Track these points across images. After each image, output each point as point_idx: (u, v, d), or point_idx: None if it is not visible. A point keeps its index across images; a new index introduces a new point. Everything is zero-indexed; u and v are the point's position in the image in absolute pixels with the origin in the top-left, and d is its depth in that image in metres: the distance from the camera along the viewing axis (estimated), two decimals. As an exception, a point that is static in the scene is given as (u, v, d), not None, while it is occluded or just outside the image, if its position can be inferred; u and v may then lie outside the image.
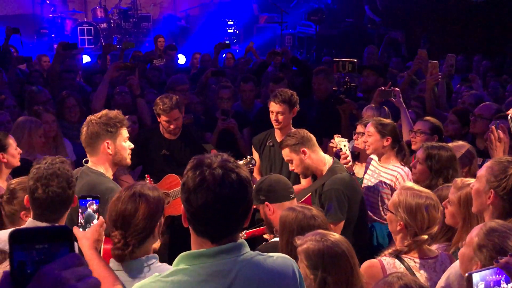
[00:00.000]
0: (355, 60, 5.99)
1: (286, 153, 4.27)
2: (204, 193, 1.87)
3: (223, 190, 1.88)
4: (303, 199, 4.51)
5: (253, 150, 5.27)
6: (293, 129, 5.04)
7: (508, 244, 2.33)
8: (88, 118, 3.68)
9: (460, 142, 4.27)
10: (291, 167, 4.33)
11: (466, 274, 2.07)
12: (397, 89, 5.31)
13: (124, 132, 3.67)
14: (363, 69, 6.85)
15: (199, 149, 5.09)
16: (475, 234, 2.43)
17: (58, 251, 1.12)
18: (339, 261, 2.48)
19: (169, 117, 4.91)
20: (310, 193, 4.49)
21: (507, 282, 2.08)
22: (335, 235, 2.58)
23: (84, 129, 3.62)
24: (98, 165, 3.61)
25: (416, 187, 3.10)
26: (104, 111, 3.70)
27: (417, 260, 2.94)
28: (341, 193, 4.09)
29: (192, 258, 1.93)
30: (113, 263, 2.64)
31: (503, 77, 8.49)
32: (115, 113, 3.67)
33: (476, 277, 2.05)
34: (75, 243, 2.73)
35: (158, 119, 5.03)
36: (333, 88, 5.97)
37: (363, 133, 4.77)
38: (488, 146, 3.85)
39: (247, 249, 1.98)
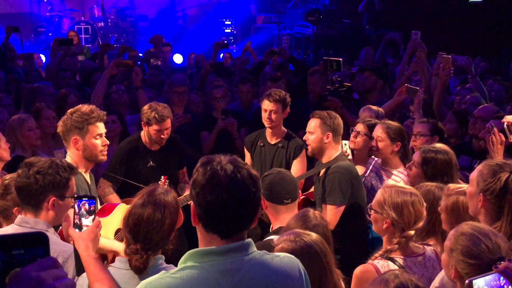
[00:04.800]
0: (340, 59, 5.98)
1: (314, 123, 4.40)
2: (216, 188, 1.89)
3: (235, 185, 1.90)
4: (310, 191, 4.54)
5: (245, 150, 5.27)
6: (284, 129, 5.07)
7: (477, 248, 2.35)
8: (67, 111, 3.75)
9: (437, 145, 4.19)
10: (306, 137, 4.44)
11: (467, 281, 2.07)
12: (422, 90, 5.24)
13: (95, 129, 3.67)
14: (364, 71, 6.83)
15: (183, 158, 5.08)
16: (448, 238, 2.48)
17: (35, 256, 1.18)
18: (311, 261, 2.48)
19: (161, 127, 4.66)
20: (306, 196, 4.52)
21: None
22: (310, 235, 2.58)
23: (59, 123, 3.70)
24: (72, 158, 3.68)
25: (399, 184, 3.16)
26: (79, 106, 3.72)
27: (408, 259, 2.97)
28: (345, 178, 4.20)
29: (200, 255, 1.94)
30: (120, 261, 2.64)
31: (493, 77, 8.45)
32: (88, 109, 3.67)
33: (480, 282, 2.04)
34: (72, 244, 2.73)
35: (144, 128, 4.74)
36: (327, 87, 5.96)
37: (363, 133, 4.75)
38: (489, 148, 3.85)
39: (254, 248, 1.99)
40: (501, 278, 2.08)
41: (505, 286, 2.08)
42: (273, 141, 5.09)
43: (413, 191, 3.02)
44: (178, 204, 2.75)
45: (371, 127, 4.76)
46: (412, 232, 2.95)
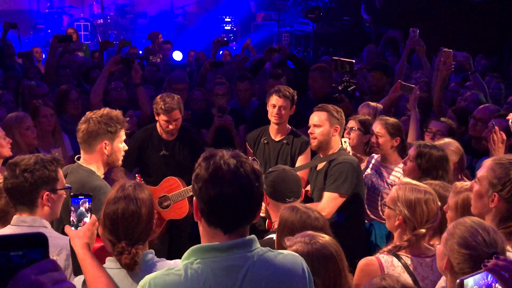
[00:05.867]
0: (353, 60, 5.93)
1: (322, 116, 4.35)
2: (219, 182, 1.88)
3: (238, 179, 1.89)
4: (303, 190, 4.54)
5: (247, 148, 5.25)
6: (288, 126, 5.06)
7: (473, 239, 2.33)
8: (88, 114, 3.60)
9: (447, 139, 4.23)
10: (312, 130, 4.39)
11: (458, 281, 2.04)
12: (417, 87, 5.22)
13: (123, 134, 3.64)
14: (372, 70, 6.76)
15: (199, 149, 5.08)
16: (446, 230, 2.45)
17: (33, 258, 1.14)
18: (327, 263, 2.46)
19: (169, 117, 4.79)
20: (306, 188, 4.50)
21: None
22: (324, 237, 2.56)
23: (83, 126, 3.55)
24: (91, 163, 3.58)
25: (414, 182, 3.10)
26: (106, 110, 3.62)
27: (414, 258, 2.93)
28: (353, 170, 4.19)
29: (204, 251, 1.93)
30: (110, 261, 2.62)
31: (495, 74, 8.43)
32: (116, 113, 3.61)
33: (470, 281, 2.03)
34: (68, 242, 2.70)
35: (157, 118, 4.91)
36: (332, 85, 5.92)
37: (356, 128, 4.76)
38: (490, 147, 3.83)
39: (257, 244, 1.99)
40: (489, 276, 2.06)
41: (493, 284, 2.06)
42: (277, 138, 5.06)
43: (428, 189, 2.97)
44: (151, 195, 2.70)
45: (362, 122, 4.79)
46: (423, 231, 2.91)
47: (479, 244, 2.32)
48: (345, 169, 4.19)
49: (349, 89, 5.73)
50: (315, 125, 4.39)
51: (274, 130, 5.05)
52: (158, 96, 4.88)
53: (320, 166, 4.46)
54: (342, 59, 6.01)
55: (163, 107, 4.74)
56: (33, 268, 1.11)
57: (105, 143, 3.54)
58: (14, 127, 4.69)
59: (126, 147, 3.74)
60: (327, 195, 4.22)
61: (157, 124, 4.96)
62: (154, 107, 4.86)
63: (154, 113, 4.90)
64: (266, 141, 5.10)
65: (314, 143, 4.44)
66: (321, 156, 4.48)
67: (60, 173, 2.97)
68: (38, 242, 1.15)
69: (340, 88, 5.74)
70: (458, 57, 6.21)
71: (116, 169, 4.71)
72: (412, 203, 2.91)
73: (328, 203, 4.18)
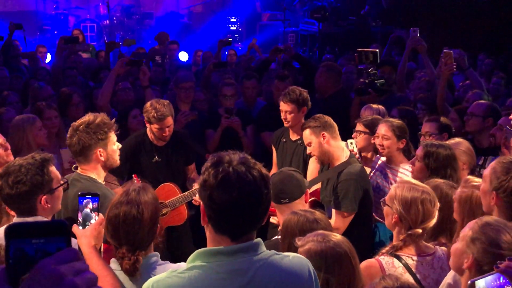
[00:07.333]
0: (377, 50, 5.88)
1: (306, 134, 4.32)
2: (228, 190, 1.86)
3: (247, 186, 1.87)
4: (312, 190, 4.51)
5: (272, 146, 5.30)
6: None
7: (501, 238, 2.32)
8: (74, 125, 3.52)
9: (457, 139, 4.22)
10: (308, 150, 4.36)
11: (469, 282, 2.05)
12: None
13: (113, 136, 3.59)
14: (381, 66, 6.74)
15: (192, 154, 5.06)
16: (469, 228, 2.43)
17: (55, 246, 1.11)
18: (341, 261, 2.46)
19: (162, 125, 4.63)
20: (319, 187, 4.48)
21: None
22: (336, 236, 2.56)
23: (73, 140, 3.47)
24: (89, 170, 3.55)
25: (414, 181, 3.11)
26: (90, 117, 3.51)
27: (415, 258, 2.93)
28: (359, 185, 4.16)
29: (209, 255, 1.92)
30: (113, 263, 2.62)
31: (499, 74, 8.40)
32: (101, 118, 3.53)
33: (481, 283, 2.02)
34: (75, 241, 2.70)
35: (148, 126, 4.73)
36: (360, 80, 5.86)
37: (362, 132, 4.75)
38: (504, 149, 3.82)
39: (263, 247, 1.97)
40: (501, 277, 2.05)
41: (506, 286, 2.06)
42: (294, 138, 5.09)
43: (426, 189, 2.97)
44: (156, 198, 2.68)
45: (367, 124, 4.78)
46: (419, 231, 2.90)
47: (509, 243, 2.32)
48: (351, 187, 4.13)
49: (376, 82, 5.67)
50: (307, 145, 4.37)
51: (291, 130, 5.09)
52: (148, 104, 4.67)
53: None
54: (365, 50, 5.96)
55: (155, 115, 4.57)
56: (54, 258, 1.07)
57: (100, 151, 3.51)
58: (28, 128, 4.68)
59: (120, 145, 3.69)
60: (339, 215, 4.20)
61: (148, 130, 4.81)
62: (145, 115, 4.66)
63: (145, 121, 4.72)
64: (284, 140, 5.17)
65: (317, 160, 4.41)
66: (330, 168, 4.44)
67: (53, 170, 2.93)
68: (60, 230, 1.13)
69: (366, 81, 5.69)
70: (453, 55, 6.21)
71: (109, 179, 4.63)
72: (408, 201, 2.91)
73: (340, 222, 4.17)
